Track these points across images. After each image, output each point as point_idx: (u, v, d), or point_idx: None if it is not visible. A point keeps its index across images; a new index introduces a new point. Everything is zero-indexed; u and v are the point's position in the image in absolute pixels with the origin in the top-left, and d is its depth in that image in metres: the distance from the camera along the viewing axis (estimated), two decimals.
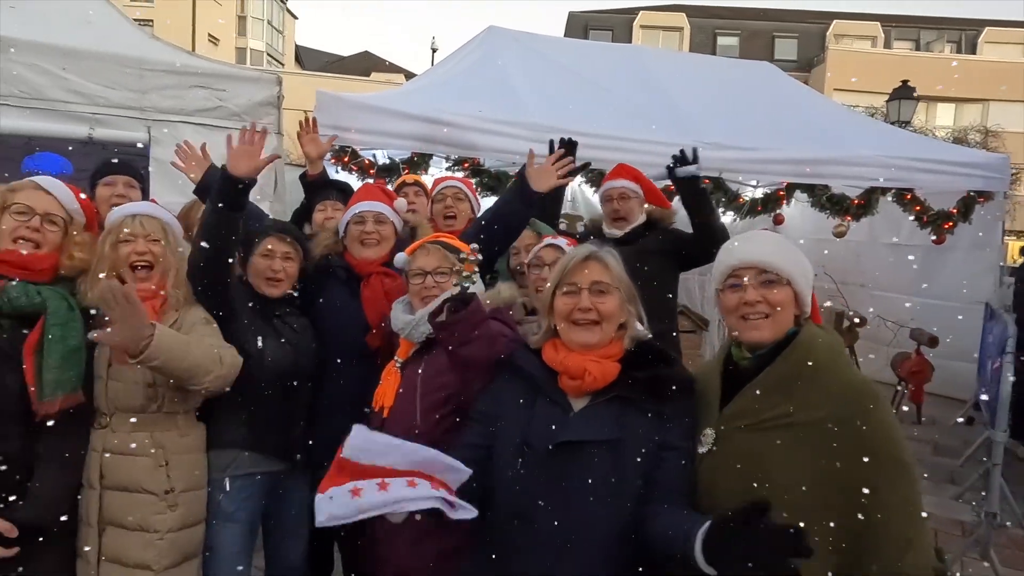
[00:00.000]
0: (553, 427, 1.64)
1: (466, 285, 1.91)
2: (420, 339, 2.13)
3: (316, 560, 2.78)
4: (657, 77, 6.25)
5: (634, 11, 31.01)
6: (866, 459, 1.36)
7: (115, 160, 3.13)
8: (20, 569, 1.96)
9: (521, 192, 2.56)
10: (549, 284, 1.81)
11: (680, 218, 3.44)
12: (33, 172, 3.69)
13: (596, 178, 4.84)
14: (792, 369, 1.50)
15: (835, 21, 30.49)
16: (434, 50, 22.30)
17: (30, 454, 2.03)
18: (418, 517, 1.67)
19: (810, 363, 1.49)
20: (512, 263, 2.85)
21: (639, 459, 1.60)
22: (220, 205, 2.15)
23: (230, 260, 2.24)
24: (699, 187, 3.14)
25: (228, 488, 2.34)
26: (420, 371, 2.09)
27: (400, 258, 2.32)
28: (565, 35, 27.70)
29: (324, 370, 2.51)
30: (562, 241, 2.61)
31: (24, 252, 2.06)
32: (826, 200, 5.60)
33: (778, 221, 6.08)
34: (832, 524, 1.38)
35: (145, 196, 2.94)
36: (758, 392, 1.53)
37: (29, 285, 2.05)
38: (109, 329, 1.90)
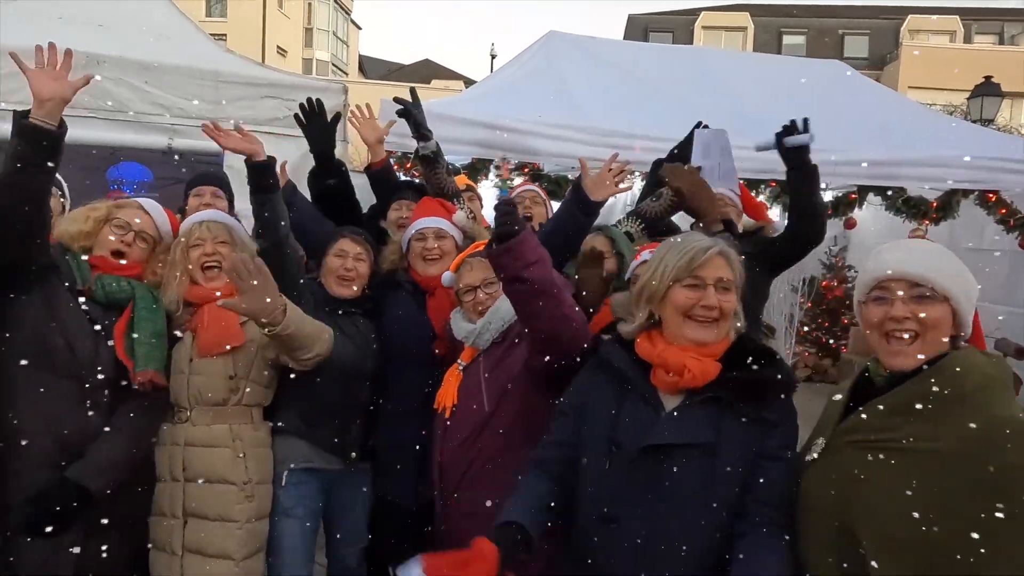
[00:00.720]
0: (643, 427, 1.58)
1: (507, 192, 1.90)
2: (486, 345, 2.19)
3: (374, 561, 2.83)
4: (721, 78, 6.12)
5: (695, 12, 30.48)
6: (989, 504, 1.22)
7: (205, 172, 3.34)
8: (76, 550, 2.04)
9: (578, 201, 2.55)
10: (664, 272, 1.67)
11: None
12: (118, 180, 3.92)
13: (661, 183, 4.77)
14: (924, 392, 1.35)
15: (910, 16, 29.17)
16: (493, 56, 22.54)
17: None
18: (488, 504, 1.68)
19: (948, 390, 1.33)
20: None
21: (737, 467, 1.52)
22: (253, 192, 2.37)
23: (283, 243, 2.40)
24: (808, 160, 2.83)
25: (284, 483, 2.42)
26: (483, 363, 2.15)
27: (447, 278, 2.37)
28: (624, 38, 27.46)
29: (389, 377, 2.58)
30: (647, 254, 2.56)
31: (114, 261, 2.28)
32: (901, 203, 5.36)
33: (849, 225, 5.86)
34: (929, 562, 1.27)
35: (232, 204, 3.08)
36: (880, 408, 1.40)
37: (120, 277, 2.26)
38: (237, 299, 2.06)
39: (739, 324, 1.68)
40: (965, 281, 1.45)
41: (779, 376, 1.61)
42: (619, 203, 5.50)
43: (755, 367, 1.59)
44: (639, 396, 1.65)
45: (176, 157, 4.17)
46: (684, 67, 6.27)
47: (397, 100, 3.02)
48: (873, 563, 1.32)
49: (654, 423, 1.59)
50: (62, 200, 2.87)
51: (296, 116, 2.95)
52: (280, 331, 2.11)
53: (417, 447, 2.38)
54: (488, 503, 1.95)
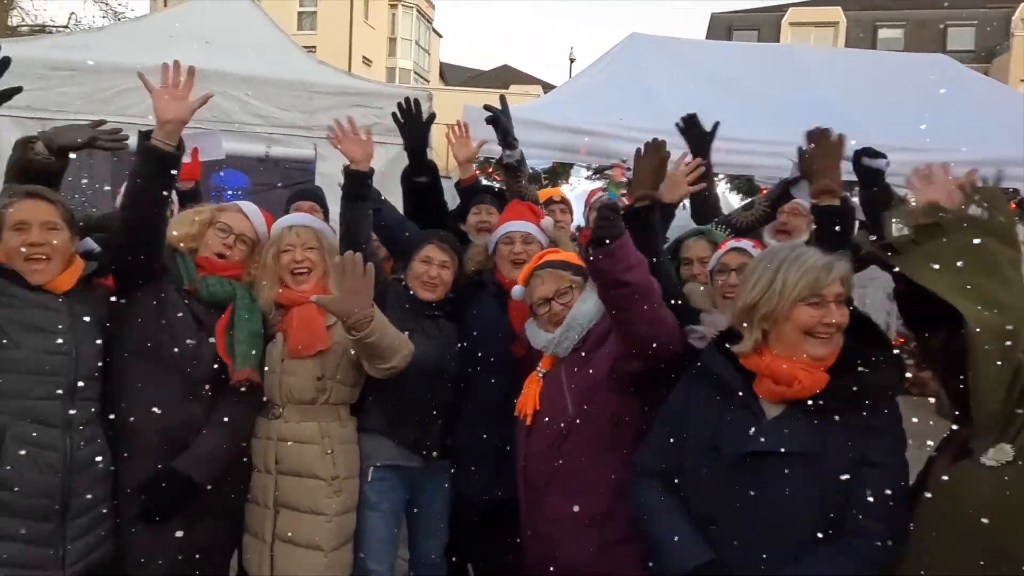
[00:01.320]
0: (744, 435, 1.59)
1: (618, 194, 1.90)
2: (566, 353, 2.20)
3: (454, 554, 2.90)
4: (813, 77, 5.88)
5: (782, 8, 29.39)
6: None
7: (305, 188, 3.56)
8: (179, 534, 2.19)
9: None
10: (780, 291, 1.65)
11: None
12: (219, 187, 4.18)
13: (744, 185, 4.64)
14: None
15: (1023, 4, 27.07)
16: (572, 60, 22.52)
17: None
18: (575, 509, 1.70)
19: None
20: (684, 274, 2.76)
21: (843, 476, 1.51)
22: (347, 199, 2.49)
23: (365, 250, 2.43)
24: (882, 183, 2.84)
25: (370, 478, 2.51)
26: (564, 370, 2.17)
27: (517, 291, 2.39)
28: (707, 38, 26.81)
29: (471, 377, 2.63)
30: (747, 243, 2.51)
31: (217, 261, 2.43)
32: (1016, 205, 4.97)
33: None
34: None
35: (327, 215, 3.22)
36: None
37: (223, 278, 2.40)
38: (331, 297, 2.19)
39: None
40: None
41: (887, 379, 1.58)
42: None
43: (863, 371, 1.56)
44: (741, 404, 1.65)
45: (272, 163, 4.42)
46: (773, 66, 6.06)
47: (487, 108, 3.09)
48: None
49: (755, 430, 1.59)
50: (171, 204, 3.08)
51: (394, 115, 3.07)
52: (364, 337, 2.19)
53: (495, 446, 2.41)
54: (575, 508, 1.98)
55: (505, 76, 33.16)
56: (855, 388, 1.55)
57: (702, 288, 2.53)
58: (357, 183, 2.49)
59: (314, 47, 23.33)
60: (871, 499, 1.49)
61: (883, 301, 5.19)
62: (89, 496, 2.08)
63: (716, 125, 3.11)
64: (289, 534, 2.38)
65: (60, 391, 2.02)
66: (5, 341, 1.96)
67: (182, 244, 2.41)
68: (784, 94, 5.56)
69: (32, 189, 2.10)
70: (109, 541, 2.15)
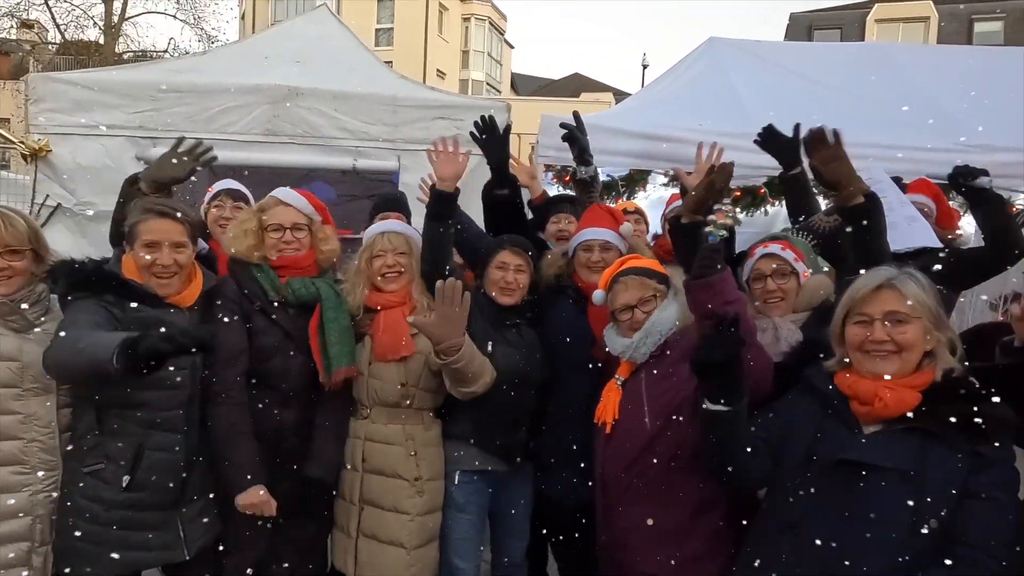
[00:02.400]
0: (840, 445, 1.60)
1: (719, 235, 1.91)
2: (643, 358, 2.20)
3: (533, 558, 2.95)
4: (907, 74, 5.59)
5: (867, 5, 28.11)
6: None
7: (388, 196, 3.68)
8: (279, 540, 2.39)
9: None
10: (837, 312, 1.73)
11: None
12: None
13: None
14: None
15: None
16: (645, 66, 22.28)
17: (304, 426, 2.44)
18: (650, 522, 1.70)
19: None
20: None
21: (942, 500, 1.48)
22: (431, 218, 2.50)
23: (447, 267, 2.52)
24: (991, 195, 2.73)
25: (457, 481, 2.57)
26: (644, 380, 2.16)
27: (599, 296, 2.40)
28: (786, 39, 25.95)
29: (552, 381, 2.65)
30: (776, 247, 2.46)
31: (290, 259, 2.50)
32: None
33: None
34: None
35: (409, 222, 3.35)
36: None
37: (306, 279, 2.49)
38: (428, 318, 2.28)
39: (954, 362, 1.62)
40: None
41: (998, 411, 1.53)
42: (783, 212, 5.23)
43: (973, 405, 1.52)
44: (840, 419, 1.66)
45: (355, 175, 4.59)
46: (862, 64, 5.80)
47: (563, 126, 3.14)
48: None
49: (851, 442, 1.60)
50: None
51: (472, 133, 3.15)
52: (452, 363, 2.27)
53: (578, 449, 2.43)
54: (650, 521, 1.97)
55: (576, 84, 33.16)
56: (962, 412, 1.51)
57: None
58: (442, 204, 2.52)
59: (391, 62, 24.03)
60: (980, 532, 1.45)
61: (984, 311, 4.89)
62: (197, 487, 2.28)
63: (797, 127, 3.02)
64: (373, 530, 2.48)
65: (184, 401, 2.22)
66: None
67: (252, 257, 2.47)
68: (876, 93, 5.32)
69: (163, 208, 2.26)
70: (216, 526, 2.33)
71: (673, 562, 1.96)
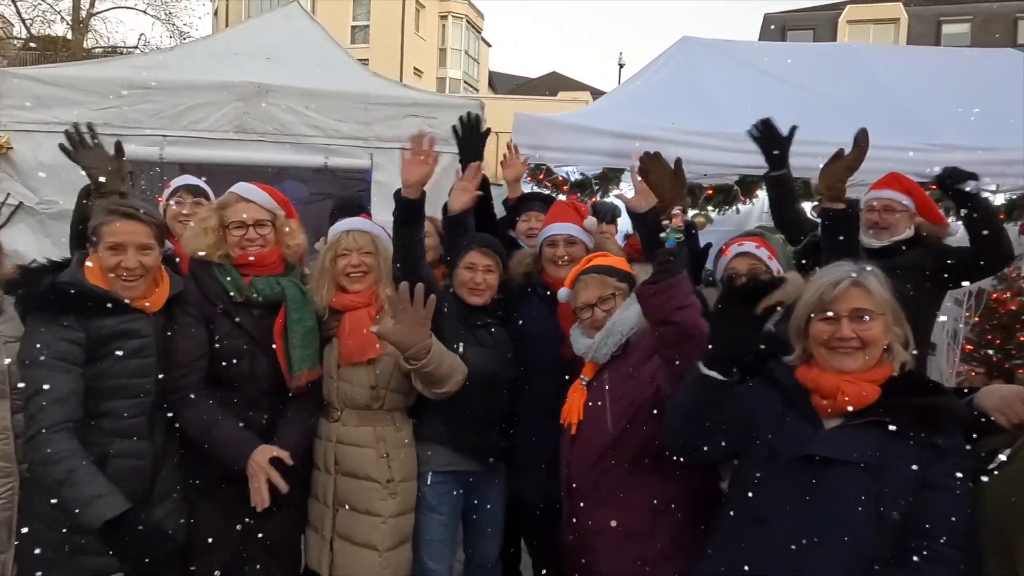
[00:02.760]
0: (802, 440, 1.62)
1: (677, 238, 1.91)
2: (605, 359, 2.19)
3: (507, 558, 2.96)
4: (876, 75, 5.69)
5: (839, 6, 28.53)
6: None
7: (347, 201, 3.64)
8: (250, 541, 2.32)
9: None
10: (801, 307, 1.75)
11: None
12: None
13: (801, 189, 4.52)
14: None
15: None
16: (621, 65, 22.40)
17: (273, 429, 2.38)
18: (613, 523, 1.70)
19: None
20: None
21: (902, 492, 1.51)
22: (399, 225, 2.45)
23: (420, 271, 2.48)
24: (977, 199, 2.83)
25: (430, 482, 2.56)
26: (607, 382, 2.15)
27: (563, 294, 2.39)
28: (760, 39, 26.25)
29: (523, 380, 2.65)
30: (751, 245, 2.49)
31: (253, 254, 2.41)
32: None
33: None
34: None
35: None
36: None
37: (270, 278, 2.42)
38: (390, 326, 2.22)
39: (907, 356, 1.66)
40: None
41: (951, 403, 1.60)
42: (755, 211, 5.29)
43: (928, 397, 1.59)
44: (801, 414, 1.68)
45: (329, 173, 4.55)
46: (832, 65, 5.89)
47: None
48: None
49: (813, 437, 1.62)
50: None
51: (454, 128, 3.12)
52: (420, 367, 2.24)
53: (549, 447, 2.42)
54: (614, 523, 1.98)
55: (553, 83, 33.20)
56: (919, 405, 1.56)
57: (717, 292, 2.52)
58: (408, 210, 2.47)
59: (367, 59, 23.88)
60: (940, 524, 1.48)
61: (951, 307, 5.00)
62: (165, 491, 2.24)
63: (793, 129, 3.05)
64: (347, 532, 2.46)
65: (148, 407, 2.18)
66: (106, 364, 2.09)
67: (215, 256, 2.39)
68: (846, 93, 5.40)
69: (128, 209, 2.19)
70: (184, 529, 2.29)
71: (638, 562, 1.97)
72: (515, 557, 3.19)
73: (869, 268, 1.71)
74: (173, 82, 4.14)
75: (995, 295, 5.43)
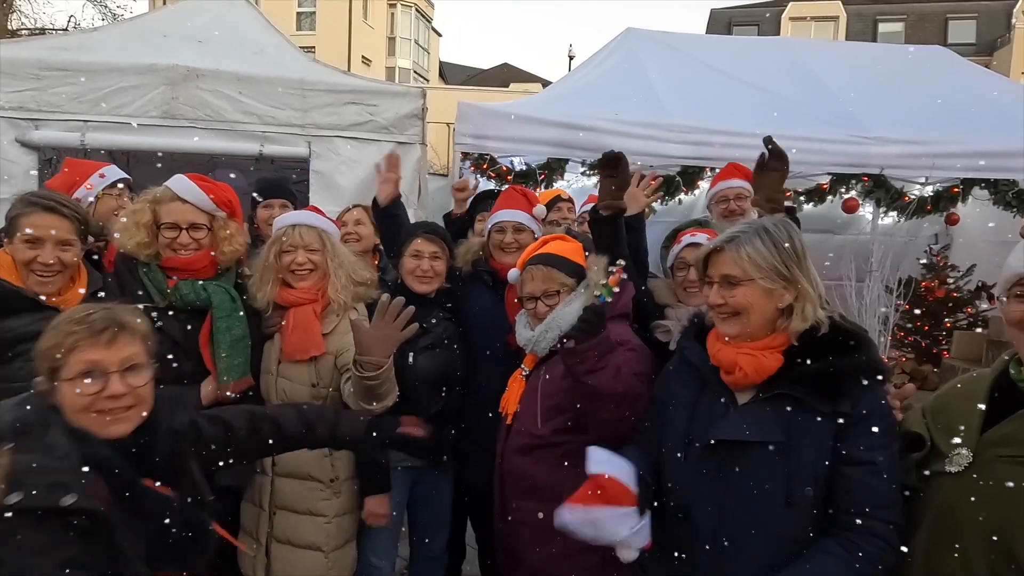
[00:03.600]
0: (714, 423, 1.58)
1: (606, 299, 1.88)
2: (543, 353, 2.16)
3: (453, 549, 2.93)
4: (811, 70, 5.85)
5: (782, 3, 29.27)
6: None
7: (270, 182, 3.42)
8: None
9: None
10: (699, 273, 1.74)
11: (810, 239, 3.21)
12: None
13: None
14: None
15: None
16: (571, 57, 22.48)
17: None
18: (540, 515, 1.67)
19: None
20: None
21: (812, 467, 1.47)
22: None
23: None
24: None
25: None
26: (541, 379, 2.13)
27: (513, 275, 2.34)
28: (706, 33, 26.71)
29: (471, 369, 2.62)
30: (702, 237, 2.49)
31: (184, 261, 2.26)
32: (1012, 197, 4.94)
33: (952, 221, 5.46)
34: None
35: (295, 207, 3.19)
36: None
37: (195, 282, 2.27)
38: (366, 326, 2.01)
39: (814, 318, 1.57)
40: None
41: (858, 364, 1.51)
42: (699, 202, 5.37)
43: (829, 357, 1.51)
44: (714, 392, 1.64)
45: (268, 162, 4.40)
46: (771, 59, 6.03)
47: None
48: None
49: (723, 419, 1.58)
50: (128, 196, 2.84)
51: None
52: (367, 378, 2.03)
53: (488, 438, 2.38)
54: (541, 515, 1.96)
55: (505, 75, 33.12)
56: (819, 372, 1.51)
57: (665, 283, 2.55)
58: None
59: (313, 47, 23.34)
60: (865, 498, 1.46)
61: (882, 294, 5.18)
62: None
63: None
64: (287, 535, 2.36)
65: None
66: (14, 367, 1.94)
67: (143, 255, 2.24)
68: (785, 87, 5.53)
69: (49, 202, 2.05)
70: None
71: (559, 555, 1.95)
72: (460, 550, 3.17)
73: (769, 225, 1.63)
74: (95, 64, 3.93)
75: (924, 283, 5.64)
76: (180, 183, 2.29)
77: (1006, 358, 1.49)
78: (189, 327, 2.24)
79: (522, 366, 2.25)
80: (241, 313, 2.32)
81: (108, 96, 3.92)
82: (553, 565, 1.96)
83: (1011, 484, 1.33)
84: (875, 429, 1.47)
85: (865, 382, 1.50)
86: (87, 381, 1.37)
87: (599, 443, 1.80)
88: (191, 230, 2.26)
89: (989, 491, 1.35)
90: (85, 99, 3.87)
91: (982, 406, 1.44)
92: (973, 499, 1.37)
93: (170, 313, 2.23)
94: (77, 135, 3.88)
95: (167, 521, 1.38)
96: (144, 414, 1.45)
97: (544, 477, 2.03)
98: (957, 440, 1.43)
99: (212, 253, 2.32)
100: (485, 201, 3.39)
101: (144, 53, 4.13)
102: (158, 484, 1.44)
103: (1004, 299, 1.45)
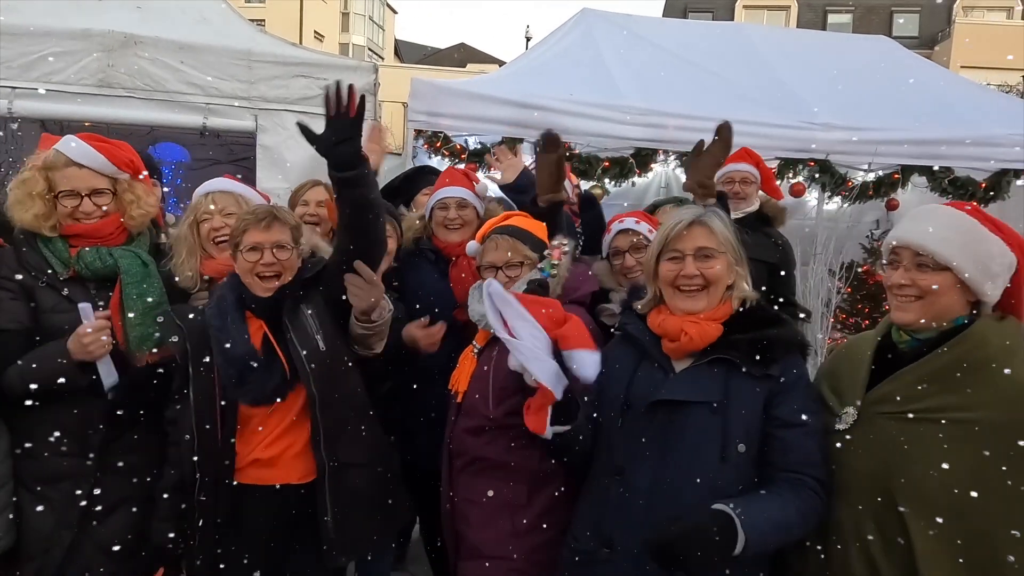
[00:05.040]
0: (654, 386, 1.67)
1: (551, 273, 1.88)
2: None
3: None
4: (762, 55, 5.94)
5: None
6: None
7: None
8: (87, 543, 2.08)
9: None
10: (651, 249, 1.80)
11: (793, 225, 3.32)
12: (157, 159, 3.98)
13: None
14: (955, 361, 1.44)
15: None
16: (528, 38, 22.31)
17: (116, 414, 2.07)
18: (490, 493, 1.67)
19: (975, 360, 1.41)
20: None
21: (745, 425, 1.60)
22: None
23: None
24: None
25: None
26: (494, 360, 2.09)
27: (472, 247, 2.32)
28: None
29: (416, 348, 2.56)
30: (631, 221, 2.51)
31: (86, 228, 2.12)
32: (948, 184, 5.14)
33: (892, 206, 5.65)
34: (963, 529, 1.34)
35: (252, 185, 3.05)
36: (911, 380, 1.48)
37: (101, 249, 2.11)
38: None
39: (749, 292, 1.75)
40: (978, 252, 1.49)
41: (786, 335, 1.68)
42: (653, 184, 5.43)
43: (761, 329, 1.67)
44: (653, 361, 1.73)
45: (214, 137, 4.25)
46: (723, 44, 6.11)
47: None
48: (913, 532, 1.39)
49: (664, 382, 1.68)
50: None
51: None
52: (370, 321, 2.07)
53: (435, 414, 2.37)
54: (490, 493, 1.98)
55: (462, 55, 32.77)
56: (754, 340, 1.64)
57: (607, 266, 2.58)
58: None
59: (263, 20, 22.63)
60: (798, 457, 1.58)
61: (825, 278, 5.34)
62: None
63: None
64: None
65: None
66: None
67: (43, 227, 2.08)
68: (735, 72, 5.61)
69: None
70: (12, 533, 2.04)
71: (506, 534, 1.96)
72: (408, 524, 3.17)
73: (712, 209, 1.78)
74: (22, 27, 3.69)
75: (865, 267, 5.84)
76: (74, 146, 2.10)
77: (890, 321, 1.62)
78: (98, 298, 2.08)
79: (473, 343, 2.22)
80: (155, 280, 2.17)
81: (37, 62, 3.70)
82: (499, 545, 1.96)
83: (889, 436, 1.45)
84: (803, 395, 1.64)
85: (792, 351, 1.67)
86: (251, 251, 2.02)
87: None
88: (93, 196, 2.10)
89: (870, 445, 1.48)
90: (12, 65, 3.65)
91: (867, 368, 1.59)
92: (859, 453, 1.51)
93: (77, 282, 2.08)
94: (4, 102, 3.67)
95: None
96: (288, 279, 2.06)
97: (495, 457, 2.03)
98: (846, 401, 1.58)
99: (121, 219, 2.16)
100: (427, 176, 3.34)
101: (77, 17, 3.91)
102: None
103: (885, 264, 1.61)
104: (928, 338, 1.51)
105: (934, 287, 1.48)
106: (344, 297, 2.02)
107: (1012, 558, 1.31)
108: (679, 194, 4.84)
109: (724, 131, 2.41)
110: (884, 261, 1.62)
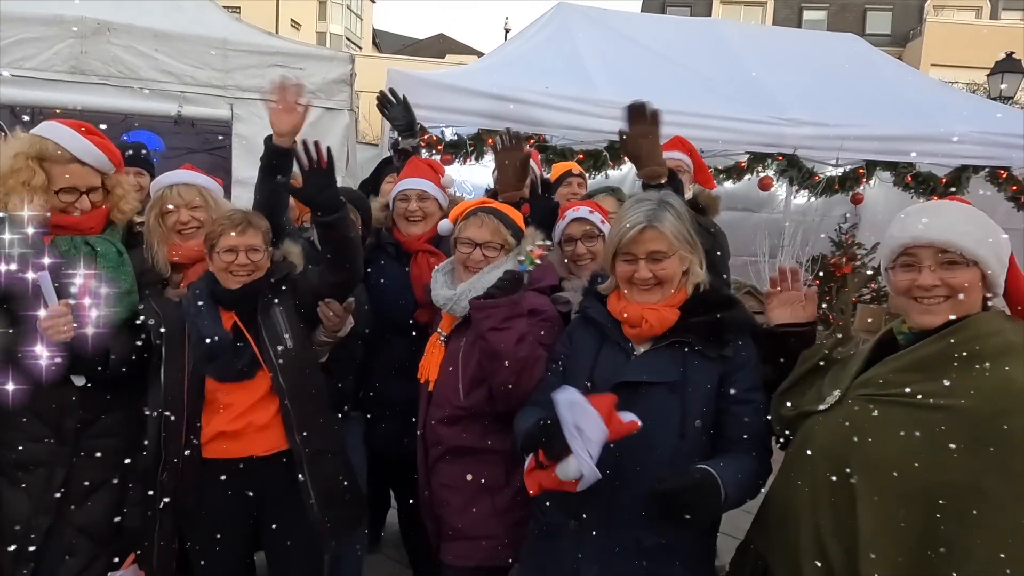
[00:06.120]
0: (616, 369, 1.74)
1: (529, 269, 1.94)
2: (462, 314, 2.11)
3: (373, 502, 2.97)
4: (736, 51, 6.06)
5: None
6: (994, 465, 1.25)
7: (129, 153, 3.05)
8: (65, 527, 2.10)
9: None
10: (607, 248, 1.86)
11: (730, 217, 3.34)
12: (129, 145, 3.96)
13: None
14: (942, 350, 1.38)
15: None
16: (507, 30, 22.28)
17: (92, 397, 2.09)
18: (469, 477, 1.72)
19: (966, 350, 1.35)
20: None
21: (703, 402, 1.69)
22: (265, 171, 2.34)
23: (282, 220, 2.40)
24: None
25: None
26: (462, 346, 2.11)
27: (445, 225, 2.31)
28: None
29: (376, 338, 2.59)
30: (585, 210, 2.48)
31: (71, 219, 2.10)
32: (910, 179, 5.31)
33: (856, 200, 5.81)
34: (916, 513, 1.31)
35: (228, 175, 3.07)
36: (897, 366, 1.45)
37: (76, 237, 2.10)
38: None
39: (702, 276, 1.81)
40: (995, 243, 1.43)
41: (738, 318, 1.77)
42: (628, 177, 5.50)
43: (715, 313, 1.75)
44: (614, 344, 1.79)
45: (189, 125, 4.23)
46: (697, 39, 6.20)
47: (382, 101, 3.22)
48: (863, 510, 1.37)
49: (625, 364, 1.75)
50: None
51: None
52: (339, 337, 2.30)
53: (401, 402, 2.42)
54: (469, 476, 2.04)
55: (441, 46, 32.58)
56: (708, 323, 1.73)
57: (558, 256, 2.56)
58: (278, 157, 2.28)
59: (238, 7, 22.29)
60: (747, 431, 1.68)
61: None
62: None
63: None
64: None
65: None
66: None
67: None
68: (708, 67, 5.71)
69: None
70: None
71: (486, 514, 2.03)
72: (383, 504, 3.24)
73: (666, 200, 1.81)
74: None
75: (832, 260, 5.99)
76: (76, 142, 2.08)
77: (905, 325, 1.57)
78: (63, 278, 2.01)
79: (439, 330, 2.22)
80: (129, 268, 2.18)
81: (8, 48, 3.66)
82: (482, 525, 2.03)
83: (856, 415, 1.43)
84: (752, 374, 1.73)
85: (744, 332, 1.75)
86: (227, 252, 2.16)
87: (505, 410, 1.93)
88: (90, 192, 2.11)
89: (838, 424, 1.46)
90: None
91: (863, 359, 1.56)
92: (824, 432, 1.50)
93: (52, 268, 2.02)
94: None
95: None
96: (257, 276, 2.20)
97: (470, 444, 2.08)
98: (836, 387, 1.55)
99: (108, 213, 2.17)
100: (391, 164, 3.31)
101: (49, 3, 3.87)
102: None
103: (890, 268, 1.50)
104: (925, 331, 1.45)
105: (966, 284, 1.39)
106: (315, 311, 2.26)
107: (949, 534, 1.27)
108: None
109: (634, 110, 2.34)
110: (888, 266, 1.51)
